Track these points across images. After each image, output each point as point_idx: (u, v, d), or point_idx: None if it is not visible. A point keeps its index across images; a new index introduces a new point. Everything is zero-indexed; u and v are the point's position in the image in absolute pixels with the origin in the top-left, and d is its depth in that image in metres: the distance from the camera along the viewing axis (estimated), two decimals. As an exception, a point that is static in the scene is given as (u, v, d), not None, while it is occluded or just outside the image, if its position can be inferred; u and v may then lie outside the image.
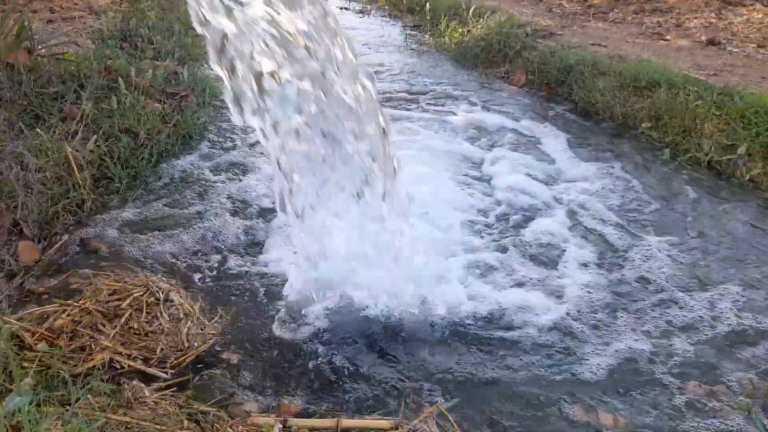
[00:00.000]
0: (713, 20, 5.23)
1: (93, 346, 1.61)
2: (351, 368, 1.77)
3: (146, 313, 1.73)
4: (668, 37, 4.91)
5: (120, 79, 3.20)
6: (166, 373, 1.62)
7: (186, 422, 1.45)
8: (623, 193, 2.92)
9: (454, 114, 3.83)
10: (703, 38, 4.75)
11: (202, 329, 1.77)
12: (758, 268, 2.32)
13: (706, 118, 3.21)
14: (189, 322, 1.75)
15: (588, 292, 2.17)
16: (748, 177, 2.94)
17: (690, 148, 3.20)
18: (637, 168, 3.16)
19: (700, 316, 2.05)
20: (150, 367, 1.62)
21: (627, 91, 3.73)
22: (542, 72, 4.29)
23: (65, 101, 3.00)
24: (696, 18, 5.32)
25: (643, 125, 3.52)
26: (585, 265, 2.34)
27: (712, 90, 3.36)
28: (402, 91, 4.30)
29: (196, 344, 1.69)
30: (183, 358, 1.67)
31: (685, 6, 5.60)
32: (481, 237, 2.48)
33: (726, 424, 1.62)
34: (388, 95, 4.18)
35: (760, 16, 5.20)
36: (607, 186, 2.97)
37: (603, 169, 3.15)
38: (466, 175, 3.05)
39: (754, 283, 2.24)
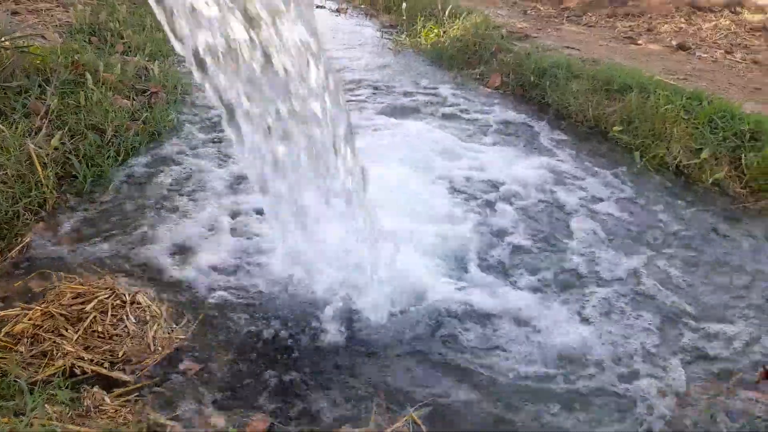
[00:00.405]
0: (683, 25, 5.35)
1: (55, 352, 1.57)
2: (321, 378, 1.75)
3: (111, 315, 1.70)
4: (640, 42, 5.00)
5: (87, 74, 3.13)
6: (130, 376, 1.58)
7: (145, 433, 1.42)
8: (589, 195, 2.96)
9: (422, 117, 3.84)
10: (674, 43, 4.86)
11: (169, 333, 1.74)
12: (717, 273, 2.37)
13: (675, 122, 3.28)
14: (156, 325, 1.72)
15: (534, 291, 2.19)
16: (711, 180, 3.00)
17: (659, 151, 3.26)
18: (607, 171, 3.20)
19: (652, 320, 2.09)
20: (114, 371, 1.58)
21: (599, 95, 3.78)
22: (517, 74, 4.32)
23: (29, 96, 2.92)
24: (666, 23, 5.43)
25: (614, 128, 3.56)
26: (536, 269, 2.36)
27: (681, 94, 3.43)
28: (374, 91, 4.28)
29: (162, 348, 1.67)
30: (148, 361, 1.63)
31: (656, 11, 5.71)
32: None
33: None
34: (360, 95, 4.15)
35: (727, 22, 5.34)
36: (572, 188, 3.01)
37: (571, 171, 3.18)
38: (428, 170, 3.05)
39: (714, 287, 2.29)
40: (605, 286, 2.25)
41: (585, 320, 2.07)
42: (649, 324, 2.07)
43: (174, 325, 1.79)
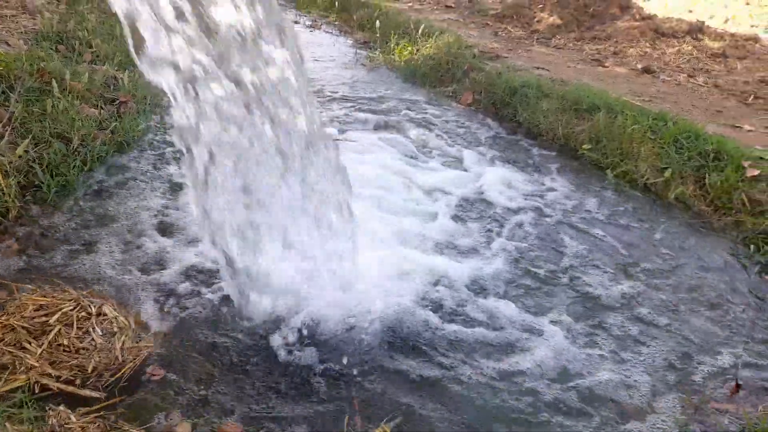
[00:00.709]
0: (648, 50, 5.54)
1: (17, 366, 1.50)
2: (293, 386, 1.73)
3: (77, 328, 1.64)
4: (607, 64, 5.16)
5: (54, 81, 3.05)
6: (100, 393, 1.52)
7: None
8: (560, 210, 3.02)
9: (397, 133, 3.87)
10: (639, 66, 5.02)
11: (137, 342, 1.70)
12: (679, 281, 2.44)
13: (642, 141, 3.38)
14: (124, 337, 1.68)
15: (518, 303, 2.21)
16: (673, 196, 3.11)
17: (628, 170, 3.34)
18: (576, 187, 3.27)
19: (622, 333, 2.12)
20: (82, 387, 1.52)
21: (569, 114, 3.87)
22: (489, 92, 4.40)
23: (-8, 103, 2.83)
24: (632, 47, 5.61)
25: (583, 146, 3.65)
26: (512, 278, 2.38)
27: (647, 115, 3.54)
28: (349, 107, 4.29)
29: (131, 359, 1.63)
30: (118, 374, 1.59)
31: (623, 36, 5.90)
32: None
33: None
34: (335, 112, 4.17)
35: (689, 48, 5.55)
36: (542, 203, 3.06)
37: (542, 188, 3.25)
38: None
39: (681, 299, 2.34)
40: (579, 299, 2.28)
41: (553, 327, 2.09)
42: (618, 333, 2.10)
43: (143, 335, 1.75)
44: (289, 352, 1.85)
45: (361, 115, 4.11)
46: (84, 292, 1.86)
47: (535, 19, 6.47)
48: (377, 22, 5.90)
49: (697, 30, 5.90)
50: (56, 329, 1.60)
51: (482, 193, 3.12)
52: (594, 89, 4.02)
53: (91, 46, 3.99)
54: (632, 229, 2.88)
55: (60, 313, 1.67)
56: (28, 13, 4.31)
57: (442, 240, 2.61)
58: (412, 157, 3.48)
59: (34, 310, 1.71)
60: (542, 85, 4.16)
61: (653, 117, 3.51)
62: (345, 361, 1.82)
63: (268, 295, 1.98)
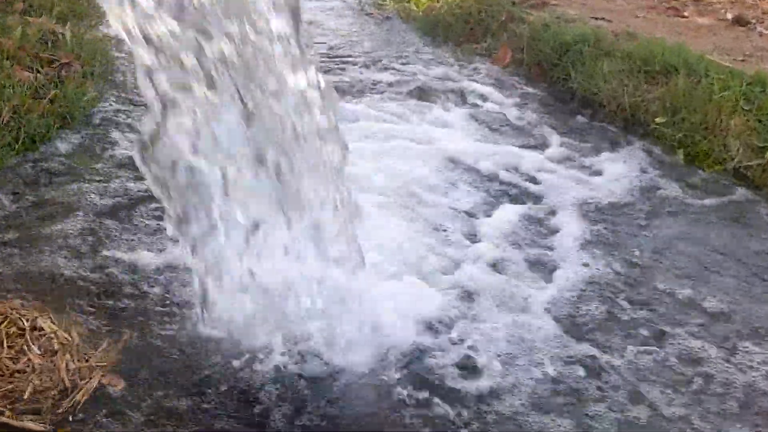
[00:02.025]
0: (740, -6, 5.48)
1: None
2: (267, 417, 1.77)
3: (8, 347, 1.66)
4: (686, 13, 5.11)
5: (-23, 37, 3.08)
6: (41, 425, 1.56)
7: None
8: (625, 206, 3.02)
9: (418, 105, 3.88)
10: (729, 16, 4.96)
11: (86, 361, 1.73)
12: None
13: (733, 112, 3.33)
14: (67, 355, 1.70)
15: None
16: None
17: (713, 149, 3.32)
18: (645, 175, 3.27)
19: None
20: (20, 417, 1.54)
21: (637, 78, 3.83)
22: (532, 50, 4.37)
23: None
24: (719, -9, 5.55)
25: (656, 120, 3.62)
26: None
27: (740, 78, 3.49)
28: (353, 71, 4.30)
29: (79, 382, 1.66)
30: (64, 402, 1.62)
31: (707, -24, 5.85)
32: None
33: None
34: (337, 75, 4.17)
35: (795, -9, 5.49)
36: (602, 200, 3.05)
37: (600, 177, 3.25)
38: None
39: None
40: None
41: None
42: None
43: (92, 351, 1.79)
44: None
45: (367, 83, 4.12)
46: (13, 303, 1.88)
47: (593, -44, 6.43)
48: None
49: (804, -32, 5.82)
50: (-17, 349, 1.62)
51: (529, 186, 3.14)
52: (670, 45, 3.97)
53: (23, -7, 4.02)
54: (721, 233, 2.85)
55: (-16, 331, 1.70)
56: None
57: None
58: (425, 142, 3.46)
59: (-48, 327, 1.74)
60: (602, 41, 4.13)
61: (747, 81, 3.47)
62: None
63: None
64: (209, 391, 1.84)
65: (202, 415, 1.75)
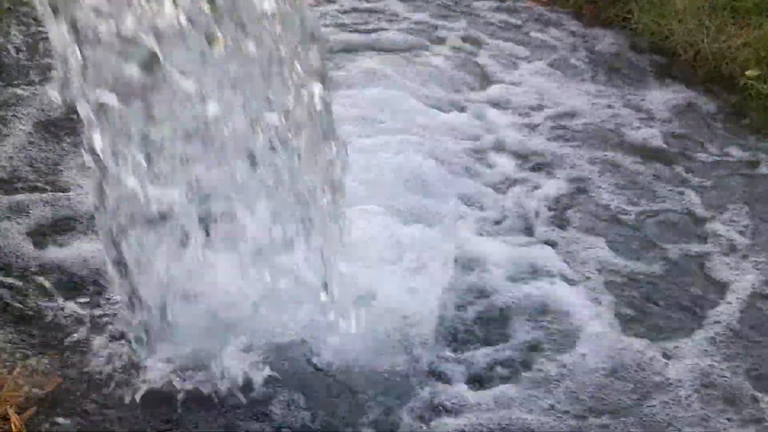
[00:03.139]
0: None
1: None
2: None
3: None
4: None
5: None
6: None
7: None
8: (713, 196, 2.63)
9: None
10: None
11: (16, 390, 1.76)
12: None
13: None
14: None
15: None
16: None
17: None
18: (733, 144, 2.90)
19: None
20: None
21: (721, 17, 3.37)
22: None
23: None
24: None
25: (747, 73, 3.17)
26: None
27: None
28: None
29: (9, 406, 1.70)
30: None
31: None
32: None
33: None
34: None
35: None
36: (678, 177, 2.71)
37: (681, 152, 2.87)
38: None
39: None
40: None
41: None
42: None
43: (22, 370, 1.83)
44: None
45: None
46: None
47: None
48: None
49: None
50: None
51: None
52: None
53: None
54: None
55: None
56: None
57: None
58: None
59: None
60: (674, -33, 3.84)
61: None
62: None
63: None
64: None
65: None
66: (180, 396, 1.83)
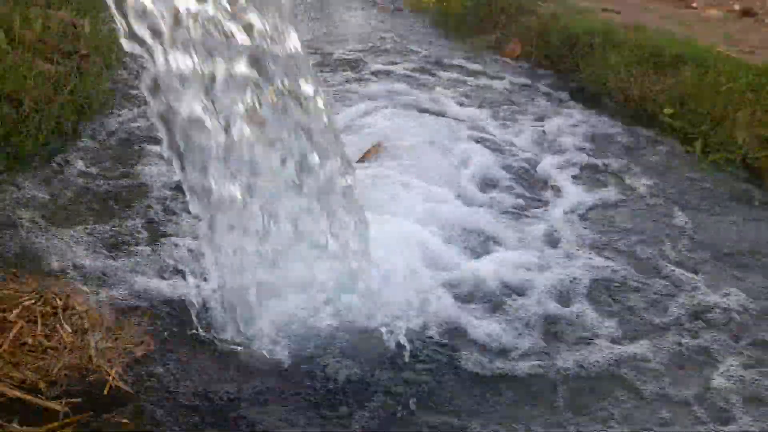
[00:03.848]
0: (749, -14, 5.47)
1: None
2: (294, 412, 1.78)
3: (42, 325, 1.72)
4: (695, 5, 5.11)
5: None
6: (62, 406, 1.60)
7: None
8: (636, 200, 3.03)
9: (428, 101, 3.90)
10: (737, 7, 4.97)
11: (114, 341, 1.79)
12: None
13: (740, 104, 3.35)
14: (97, 335, 1.77)
15: None
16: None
17: (722, 141, 3.33)
18: (656, 168, 3.28)
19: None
20: (45, 397, 1.60)
21: (645, 69, 3.86)
22: (542, 42, 4.41)
23: (-75, 56, 2.92)
24: (729, -17, 5.54)
25: (664, 111, 3.65)
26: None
27: (747, 70, 3.51)
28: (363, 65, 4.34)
29: (107, 361, 1.72)
30: (87, 379, 1.68)
31: (716, -32, 5.83)
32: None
33: None
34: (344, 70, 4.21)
35: (804, -17, 5.47)
36: (612, 190, 3.09)
37: (609, 168, 3.29)
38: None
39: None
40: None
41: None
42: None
43: (120, 333, 1.85)
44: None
45: (373, 87, 4.13)
46: (48, 281, 1.94)
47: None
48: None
49: (814, -40, 5.80)
50: (18, 326, 1.69)
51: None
52: (679, 37, 4.02)
53: (42, -14, 4.07)
54: (721, 222, 2.88)
55: (21, 308, 1.76)
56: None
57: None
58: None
59: (-12, 305, 1.79)
60: (611, 32, 4.17)
61: (755, 72, 3.49)
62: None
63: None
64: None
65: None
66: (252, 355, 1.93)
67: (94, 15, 3.86)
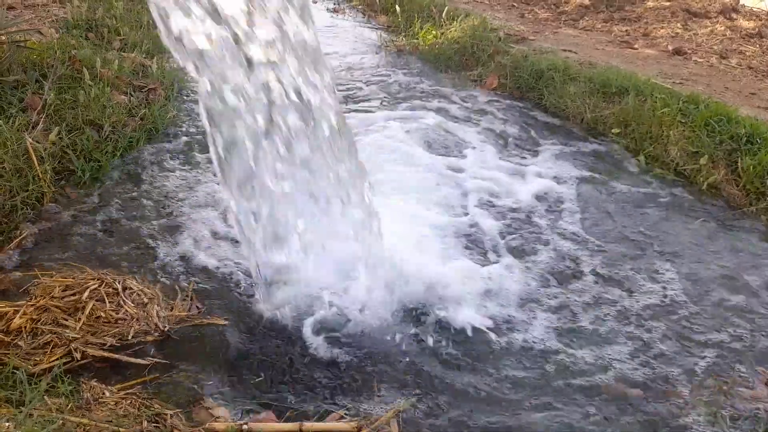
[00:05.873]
0: (679, 31, 5.41)
1: (57, 341, 1.58)
2: (321, 366, 1.77)
3: (109, 302, 1.73)
4: (636, 46, 5.06)
5: (84, 69, 3.13)
6: (144, 359, 1.64)
7: (145, 424, 1.42)
8: (588, 197, 2.99)
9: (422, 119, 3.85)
10: (670, 48, 4.92)
11: (170, 309, 1.82)
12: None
13: (672, 125, 3.31)
14: (156, 306, 1.77)
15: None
16: (706, 184, 3.04)
17: (659, 154, 3.30)
18: (603, 174, 3.24)
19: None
20: (126, 354, 1.63)
21: (596, 97, 3.82)
22: (515, 76, 4.35)
23: (26, 90, 2.92)
24: (663, 28, 5.49)
25: (612, 131, 3.60)
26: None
27: (678, 98, 3.47)
28: (372, 92, 4.30)
29: (167, 325, 1.76)
30: (159, 339, 1.72)
31: (653, 16, 5.77)
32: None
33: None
34: (358, 97, 4.17)
35: (722, 28, 5.41)
36: (572, 190, 3.05)
37: (566, 175, 3.23)
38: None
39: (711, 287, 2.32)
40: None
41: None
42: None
43: (174, 303, 1.86)
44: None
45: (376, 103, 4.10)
46: (105, 271, 1.93)
47: (563, 0, 6.36)
48: (396, 6, 5.86)
49: (730, 9, 5.73)
50: (90, 304, 1.68)
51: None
52: (623, 72, 3.95)
53: (119, 34, 4.06)
54: (658, 215, 2.85)
55: (89, 290, 1.75)
56: (58, 1, 4.40)
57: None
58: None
59: (62, 291, 1.78)
60: (569, 68, 4.10)
61: (684, 100, 3.45)
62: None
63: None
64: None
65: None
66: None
67: (160, 56, 3.84)
